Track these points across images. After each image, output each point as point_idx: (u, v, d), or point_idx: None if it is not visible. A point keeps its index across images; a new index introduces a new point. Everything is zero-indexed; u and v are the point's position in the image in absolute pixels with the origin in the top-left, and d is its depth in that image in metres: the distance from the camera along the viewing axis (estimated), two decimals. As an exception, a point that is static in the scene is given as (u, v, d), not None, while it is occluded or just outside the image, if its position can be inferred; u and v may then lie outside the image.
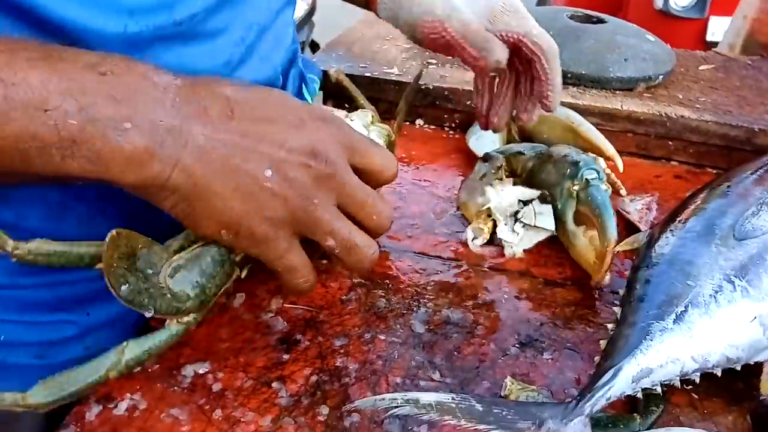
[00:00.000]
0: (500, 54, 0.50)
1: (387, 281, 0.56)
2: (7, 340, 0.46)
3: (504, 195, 0.63)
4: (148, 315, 0.40)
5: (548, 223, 0.61)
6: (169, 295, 0.40)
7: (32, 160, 0.33)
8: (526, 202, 0.62)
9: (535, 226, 0.61)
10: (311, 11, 2.72)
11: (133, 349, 0.41)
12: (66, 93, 0.32)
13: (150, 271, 0.40)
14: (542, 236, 0.61)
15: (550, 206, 0.61)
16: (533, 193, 0.62)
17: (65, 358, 0.49)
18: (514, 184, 0.65)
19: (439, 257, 0.60)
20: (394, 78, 0.84)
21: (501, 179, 0.67)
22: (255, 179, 0.37)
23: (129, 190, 0.36)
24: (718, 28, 3.44)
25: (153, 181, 0.35)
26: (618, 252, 0.57)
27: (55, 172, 0.34)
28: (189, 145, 0.35)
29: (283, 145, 0.38)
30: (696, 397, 0.47)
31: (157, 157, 0.34)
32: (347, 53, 0.92)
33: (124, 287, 0.38)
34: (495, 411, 0.39)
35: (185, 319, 0.43)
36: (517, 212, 0.62)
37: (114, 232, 0.38)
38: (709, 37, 3.48)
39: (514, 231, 0.62)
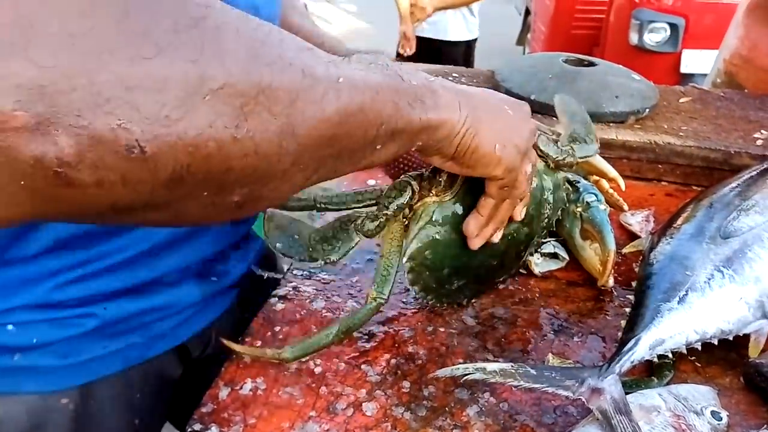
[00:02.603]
0: None
1: (437, 287, 0.68)
2: (39, 342, 0.55)
3: None
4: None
5: (562, 257, 0.72)
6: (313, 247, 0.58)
7: (384, 111, 0.40)
8: (545, 241, 0.74)
9: (551, 257, 0.72)
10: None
11: (345, 323, 0.55)
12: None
13: (296, 236, 0.59)
14: (554, 266, 0.72)
15: (563, 248, 0.73)
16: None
17: (87, 358, 0.58)
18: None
19: (477, 267, 0.72)
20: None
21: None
22: (504, 110, 0.52)
23: (437, 130, 0.46)
24: (691, 60, 3.67)
25: (450, 112, 0.47)
26: (625, 254, 0.69)
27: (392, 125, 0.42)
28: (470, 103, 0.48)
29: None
30: (699, 365, 0.58)
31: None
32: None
33: (278, 245, 0.57)
34: (546, 374, 0.51)
35: (378, 301, 0.56)
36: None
37: (269, 212, 0.60)
38: (683, 69, 3.70)
39: (536, 252, 0.73)
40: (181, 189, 0.31)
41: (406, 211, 0.57)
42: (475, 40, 3.32)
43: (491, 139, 0.49)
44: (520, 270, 0.69)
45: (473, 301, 0.65)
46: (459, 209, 0.57)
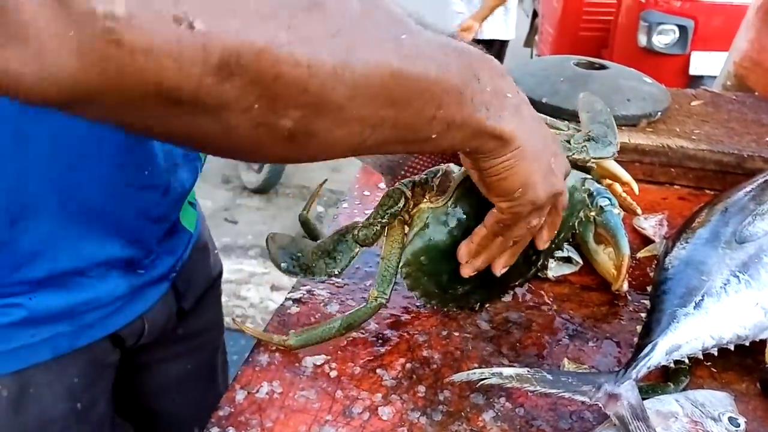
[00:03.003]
0: None
1: (451, 291, 0.68)
2: None
3: None
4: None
5: (575, 261, 0.72)
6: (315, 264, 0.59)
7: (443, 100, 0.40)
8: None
9: (565, 261, 0.72)
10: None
11: (347, 318, 0.57)
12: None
13: (299, 254, 0.59)
14: (568, 270, 0.72)
15: (577, 252, 0.72)
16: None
17: (16, 345, 0.59)
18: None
19: (490, 271, 0.72)
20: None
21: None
22: (548, 162, 0.50)
23: (489, 139, 0.45)
24: (700, 62, 3.65)
25: (510, 133, 0.45)
26: (639, 259, 0.69)
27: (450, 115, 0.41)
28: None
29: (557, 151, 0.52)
30: (715, 371, 0.58)
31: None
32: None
33: (282, 264, 0.58)
34: (563, 379, 0.50)
35: (379, 300, 0.57)
36: None
37: (270, 234, 0.60)
38: (692, 71, 3.69)
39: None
40: (231, 85, 0.31)
41: (405, 216, 0.57)
42: (508, 41, 3.39)
43: (519, 181, 0.48)
44: (537, 274, 0.69)
45: (487, 306, 0.65)
46: (453, 214, 0.57)
